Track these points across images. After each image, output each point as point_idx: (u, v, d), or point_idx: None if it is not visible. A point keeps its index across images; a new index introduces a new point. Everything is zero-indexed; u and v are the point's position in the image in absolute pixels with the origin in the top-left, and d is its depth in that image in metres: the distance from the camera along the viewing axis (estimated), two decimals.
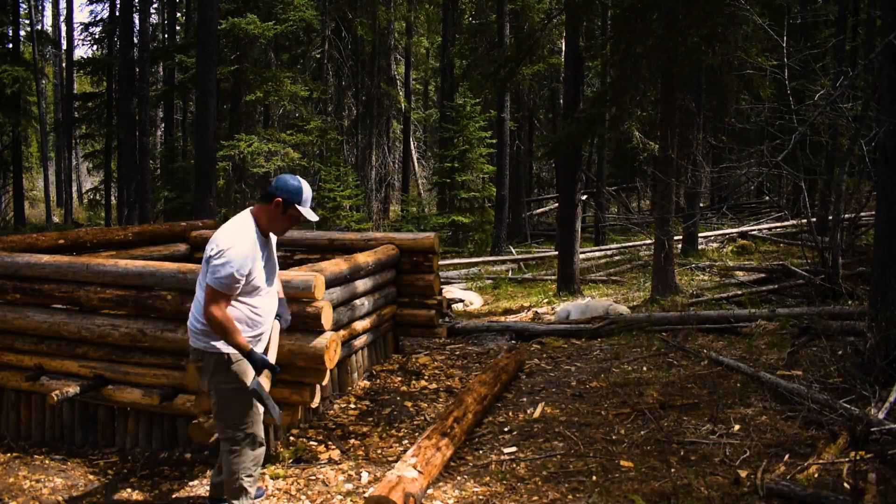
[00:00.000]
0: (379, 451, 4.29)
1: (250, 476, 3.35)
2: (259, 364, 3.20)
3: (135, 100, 15.87)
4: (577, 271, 10.66)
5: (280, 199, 3.19)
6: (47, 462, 4.28)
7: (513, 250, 16.40)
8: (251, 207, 3.33)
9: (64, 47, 31.12)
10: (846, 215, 8.34)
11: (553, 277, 11.79)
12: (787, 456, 3.74)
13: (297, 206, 3.22)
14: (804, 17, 15.68)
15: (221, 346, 3.21)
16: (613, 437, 4.27)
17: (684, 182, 9.47)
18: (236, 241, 3.14)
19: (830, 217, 8.69)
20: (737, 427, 4.23)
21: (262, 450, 3.41)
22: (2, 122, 19.48)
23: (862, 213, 9.86)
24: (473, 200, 19.14)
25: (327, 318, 4.02)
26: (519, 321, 8.18)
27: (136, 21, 16.16)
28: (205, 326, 3.21)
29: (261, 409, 3.37)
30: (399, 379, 5.72)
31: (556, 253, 11.93)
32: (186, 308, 4.07)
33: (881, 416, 3.83)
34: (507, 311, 9.61)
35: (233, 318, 3.18)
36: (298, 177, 3.30)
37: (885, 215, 4.61)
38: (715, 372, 5.30)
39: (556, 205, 16.55)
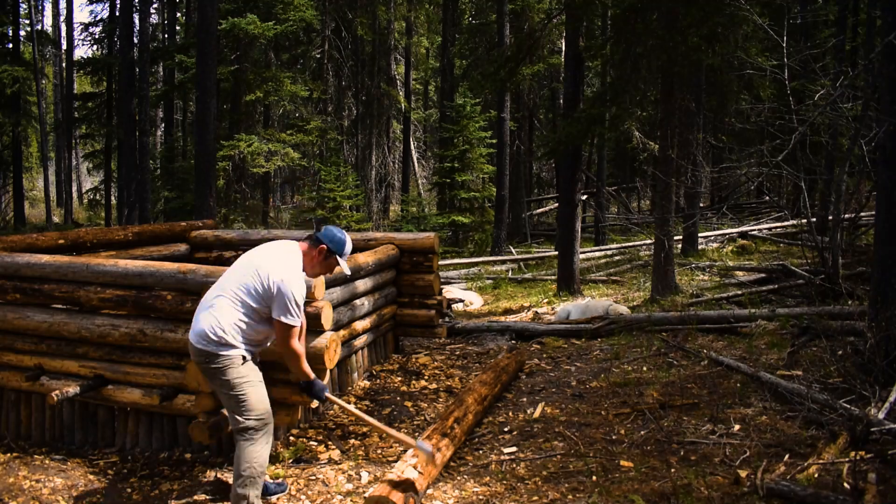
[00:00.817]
0: (379, 451, 4.30)
1: (262, 468, 3.46)
2: (321, 391, 3.59)
3: (135, 100, 15.87)
4: (577, 271, 10.65)
5: (326, 247, 3.51)
6: (47, 462, 4.28)
7: (513, 250, 16.40)
8: (299, 244, 3.56)
9: (64, 47, 31.14)
10: (846, 215, 8.34)
11: (553, 277, 11.79)
12: (787, 456, 3.74)
13: (337, 256, 3.55)
14: (804, 17, 15.68)
15: (231, 351, 3.38)
16: (613, 437, 4.27)
17: (684, 182, 9.47)
18: (299, 279, 3.40)
19: (830, 217, 8.69)
20: (737, 427, 4.23)
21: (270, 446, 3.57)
22: (2, 122, 19.50)
23: (862, 213, 9.86)
24: (473, 200, 19.13)
25: (327, 318, 4.02)
26: (519, 321, 8.18)
27: (136, 21, 16.17)
28: (225, 336, 3.35)
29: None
30: (399, 379, 5.72)
31: (556, 253, 11.93)
32: (187, 308, 4.07)
33: (881, 416, 3.83)
34: (507, 311, 9.61)
35: (246, 333, 3.40)
36: (344, 230, 3.63)
37: (885, 215, 4.61)
38: (715, 372, 5.30)
39: (556, 205, 16.54)
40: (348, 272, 3.67)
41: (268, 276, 3.35)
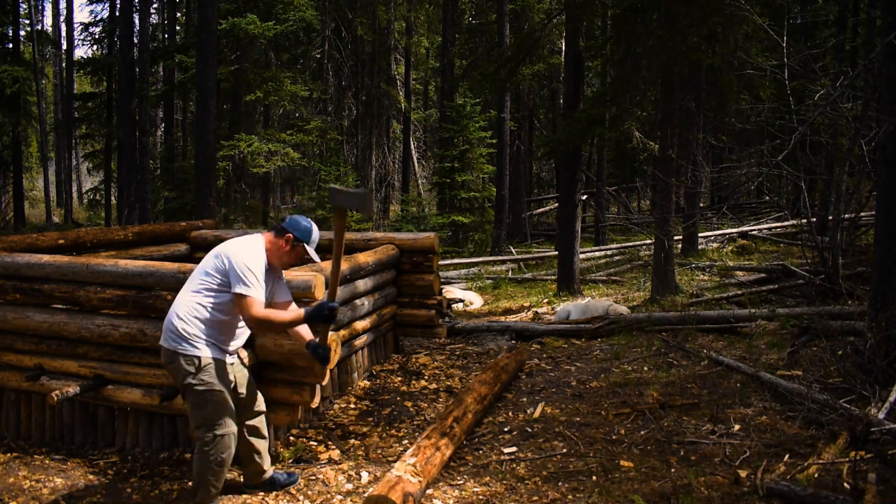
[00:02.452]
0: (379, 451, 4.29)
1: (214, 476, 3.43)
2: (326, 314, 3.30)
3: (135, 100, 15.85)
4: (577, 271, 10.65)
5: (292, 235, 3.43)
6: (47, 462, 4.28)
7: (513, 250, 16.39)
8: (263, 233, 3.50)
9: (64, 47, 31.13)
10: (846, 215, 8.34)
11: (553, 277, 11.79)
12: (787, 456, 3.74)
13: (305, 244, 3.47)
14: (804, 17, 15.68)
15: (190, 349, 3.32)
16: (613, 437, 4.27)
17: (684, 182, 9.46)
18: (254, 254, 3.35)
19: (830, 217, 8.69)
20: (737, 427, 4.23)
21: (232, 452, 3.46)
22: (2, 122, 19.47)
23: (862, 213, 9.85)
24: (473, 200, 19.12)
25: None
26: (519, 321, 8.18)
27: (136, 21, 16.15)
28: (181, 328, 3.32)
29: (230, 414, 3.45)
30: (399, 379, 5.72)
31: (556, 253, 11.92)
32: None
33: (881, 416, 3.83)
34: (507, 311, 9.61)
35: (208, 318, 3.33)
36: (309, 219, 3.55)
37: (885, 215, 4.62)
38: (715, 372, 5.30)
39: (556, 205, 16.53)
40: (317, 260, 3.57)
41: (223, 252, 3.35)
